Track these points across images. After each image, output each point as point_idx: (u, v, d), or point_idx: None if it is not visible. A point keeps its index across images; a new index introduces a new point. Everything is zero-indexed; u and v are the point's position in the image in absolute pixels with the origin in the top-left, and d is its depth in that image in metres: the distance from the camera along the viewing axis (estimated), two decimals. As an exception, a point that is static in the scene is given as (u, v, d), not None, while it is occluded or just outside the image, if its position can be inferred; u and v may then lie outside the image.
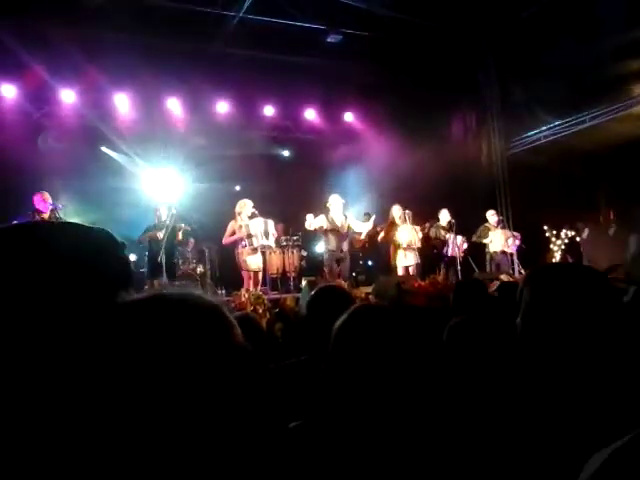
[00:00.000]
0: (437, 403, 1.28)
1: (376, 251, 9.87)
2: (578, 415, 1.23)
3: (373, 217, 8.64)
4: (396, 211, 8.71)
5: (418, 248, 8.65)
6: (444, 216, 9.23)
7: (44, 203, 6.83)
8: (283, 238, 9.07)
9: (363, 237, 8.74)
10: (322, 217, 8.13)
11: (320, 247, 9.05)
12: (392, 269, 8.68)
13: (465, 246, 9.19)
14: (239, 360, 0.73)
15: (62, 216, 6.92)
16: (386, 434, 1.19)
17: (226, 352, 0.72)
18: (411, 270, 8.52)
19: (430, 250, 9.18)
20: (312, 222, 8.15)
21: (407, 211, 8.59)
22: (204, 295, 0.78)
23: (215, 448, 0.68)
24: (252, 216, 7.74)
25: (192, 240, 9.27)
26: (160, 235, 7.57)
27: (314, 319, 2.08)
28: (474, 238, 9.35)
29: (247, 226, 7.62)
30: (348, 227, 8.38)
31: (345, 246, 8.31)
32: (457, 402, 1.41)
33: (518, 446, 1.25)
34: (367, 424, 1.20)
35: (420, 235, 8.75)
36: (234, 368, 0.72)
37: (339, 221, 8.24)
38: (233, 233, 7.78)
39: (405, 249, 8.58)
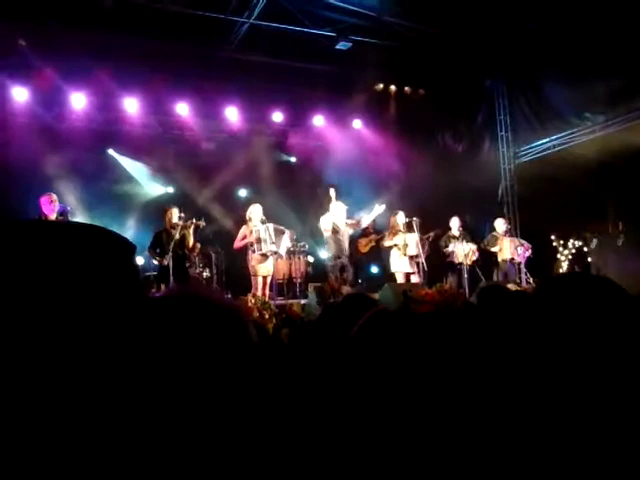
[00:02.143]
0: (451, 405, 1.27)
1: (381, 258, 9.85)
2: (585, 420, 1.21)
3: (381, 207, 8.45)
4: (400, 218, 8.66)
5: (426, 256, 8.59)
6: (454, 224, 9.20)
7: (50, 205, 6.70)
8: (290, 244, 9.05)
9: (368, 223, 8.73)
10: (328, 220, 8.09)
11: (325, 254, 9.04)
12: (391, 275, 8.64)
13: (476, 256, 9.13)
14: (252, 355, 0.74)
15: (70, 219, 6.93)
16: (399, 440, 1.18)
17: (241, 347, 0.73)
18: (415, 278, 8.48)
19: (442, 258, 9.15)
20: (322, 224, 8.14)
21: (415, 219, 8.53)
22: (224, 296, 0.80)
23: (225, 436, 0.69)
24: (263, 222, 7.74)
25: (198, 245, 9.28)
26: (165, 262, 7.39)
27: (339, 326, 2.05)
28: (482, 246, 9.33)
29: (257, 231, 7.62)
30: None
31: (347, 252, 8.23)
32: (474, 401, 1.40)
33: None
34: (381, 429, 1.19)
35: (424, 244, 8.69)
36: (248, 361, 0.73)
37: (342, 227, 8.22)
38: (244, 238, 7.79)
39: (411, 257, 8.55)
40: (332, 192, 8.15)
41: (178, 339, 0.70)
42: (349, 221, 8.26)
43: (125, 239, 0.94)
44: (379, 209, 8.35)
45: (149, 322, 0.71)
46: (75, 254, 0.83)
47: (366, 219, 8.53)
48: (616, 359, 1.28)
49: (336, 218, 8.06)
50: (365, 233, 10.28)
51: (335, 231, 7.99)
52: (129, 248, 0.93)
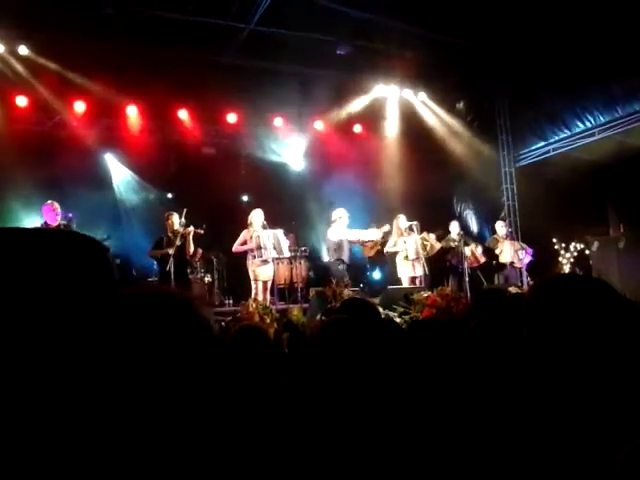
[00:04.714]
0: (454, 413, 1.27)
1: (385, 262, 9.85)
2: (581, 419, 1.21)
3: (385, 227, 8.65)
4: (402, 222, 8.69)
5: (427, 259, 8.60)
6: (454, 228, 9.21)
7: (52, 214, 6.81)
8: (292, 249, 9.04)
9: (374, 241, 8.82)
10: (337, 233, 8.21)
11: (329, 258, 9.05)
12: (398, 280, 8.65)
13: (483, 260, 9.12)
14: (208, 348, 0.77)
15: (75, 227, 6.95)
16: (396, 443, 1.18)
17: (195, 340, 0.75)
18: (418, 281, 8.49)
19: (442, 261, 9.15)
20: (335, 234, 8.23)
21: (415, 222, 8.56)
22: (176, 290, 0.84)
23: (199, 432, 0.70)
24: (264, 227, 7.75)
25: (200, 250, 9.29)
26: (171, 251, 7.41)
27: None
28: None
29: (258, 237, 7.62)
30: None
31: (348, 257, 8.36)
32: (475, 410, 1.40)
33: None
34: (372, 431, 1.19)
35: (434, 244, 8.71)
36: (201, 354, 0.76)
37: (347, 233, 8.31)
38: (244, 242, 7.78)
39: (412, 260, 8.55)
40: (336, 214, 8.34)
41: (133, 334, 0.73)
42: (352, 237, 8.45)
43: (98, 241, 0.99)
44: (376, 233, 8.59)
45: (111, 319, 0.74)
46: (48, 258, 0.86)
47: (364, 236, 8.63)
48: (609, 359, 1.28)
49: (343, 234, 8.26)
50: None
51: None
52: (102, 249, 0.98)
